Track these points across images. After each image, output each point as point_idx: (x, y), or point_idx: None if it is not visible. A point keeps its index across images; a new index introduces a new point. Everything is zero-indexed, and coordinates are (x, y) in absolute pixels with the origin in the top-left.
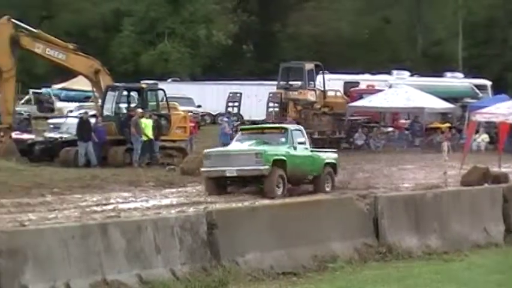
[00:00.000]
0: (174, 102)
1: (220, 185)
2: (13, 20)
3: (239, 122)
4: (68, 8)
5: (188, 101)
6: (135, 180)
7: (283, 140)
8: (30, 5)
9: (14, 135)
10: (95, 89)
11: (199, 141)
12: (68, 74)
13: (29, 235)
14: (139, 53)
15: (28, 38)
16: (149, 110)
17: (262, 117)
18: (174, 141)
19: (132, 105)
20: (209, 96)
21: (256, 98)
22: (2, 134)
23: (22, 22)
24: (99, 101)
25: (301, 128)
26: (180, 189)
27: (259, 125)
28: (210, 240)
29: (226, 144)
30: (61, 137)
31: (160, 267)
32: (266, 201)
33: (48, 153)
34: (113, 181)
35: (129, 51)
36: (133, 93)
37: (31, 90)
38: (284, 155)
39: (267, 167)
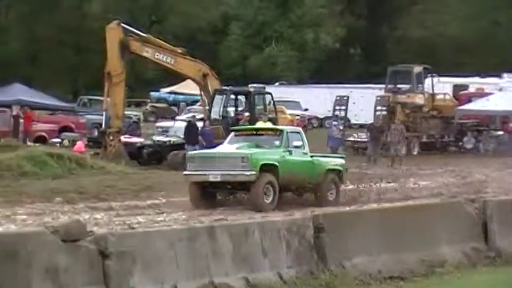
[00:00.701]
0: (281, 106)
1: (206, 192)
2: (123, 25)
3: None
4: (176, 13)
5: (295, 104)
6: None
7: (277, 143)
8: (140, 10)
9: (123, 138)
10: (202, 93)
11: None
12: (177, 78)
13: (137, 238)
14: (247, 56)
15: (137, 42)
16: (265, 113)
17: (370, 120)
18: None
19: (240, 108)
20: (316, 100)
21: (361, 100)
22: (111, 137)
23: (132, 27)
24: (207, 104)
25: (300, 130)
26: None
27: (253, 126)
28: (317, 244)
29: (334, 148)
30: (169, 141)
31: (267, 270)
32: (374, 205)
33: (157, 156)
34: None
35: (236, 55)
36: (241, 97)
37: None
38: (276, 160)
39: (253, 172)
